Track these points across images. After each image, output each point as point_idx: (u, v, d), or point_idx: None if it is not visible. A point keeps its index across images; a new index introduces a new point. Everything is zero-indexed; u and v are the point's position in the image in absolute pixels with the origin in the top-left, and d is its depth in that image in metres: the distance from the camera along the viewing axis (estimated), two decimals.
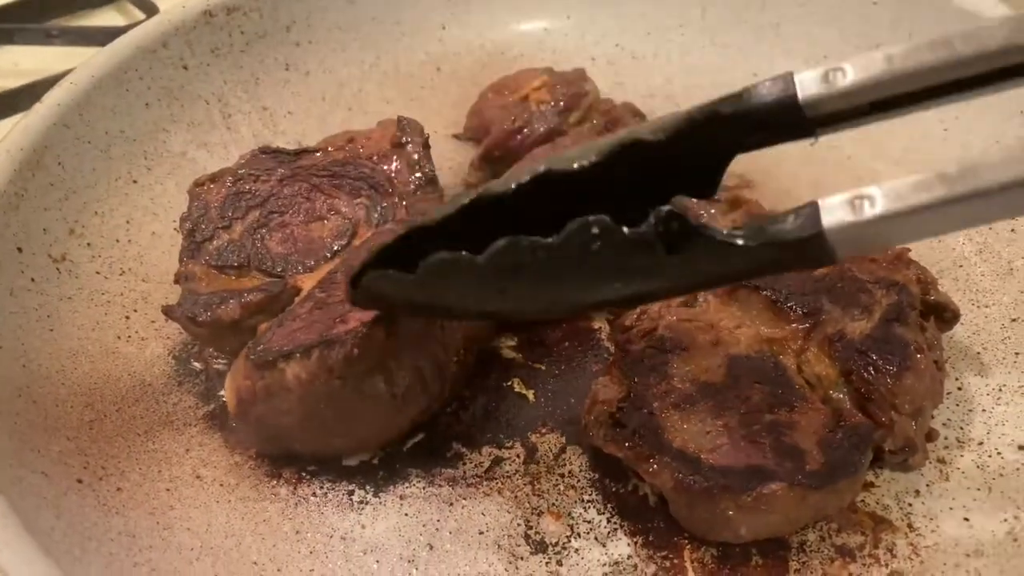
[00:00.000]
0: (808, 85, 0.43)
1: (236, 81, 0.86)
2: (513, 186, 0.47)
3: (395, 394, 0.59)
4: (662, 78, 0.92)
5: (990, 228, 0.75)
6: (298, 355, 0.57)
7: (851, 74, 0.42)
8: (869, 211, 0.41)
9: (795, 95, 0.43)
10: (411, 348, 0.59)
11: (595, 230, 0.43)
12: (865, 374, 0.58)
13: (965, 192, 0.40)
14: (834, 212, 0.42)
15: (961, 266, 0.73)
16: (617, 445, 0.55)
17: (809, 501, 0.54)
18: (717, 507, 0.53)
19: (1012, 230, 0.74)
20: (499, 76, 0.91)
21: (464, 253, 0.45)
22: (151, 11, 1.10)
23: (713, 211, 0.70)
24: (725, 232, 0.43)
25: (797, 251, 0.43)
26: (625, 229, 0.43)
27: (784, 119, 0.44)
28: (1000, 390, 0.65)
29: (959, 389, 0.65)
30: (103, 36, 1.07)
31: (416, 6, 0.94)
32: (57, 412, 0.60)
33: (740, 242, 0.43)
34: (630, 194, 0.46)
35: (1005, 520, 0.57)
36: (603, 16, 0.96)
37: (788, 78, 0.44)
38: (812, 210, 0.42)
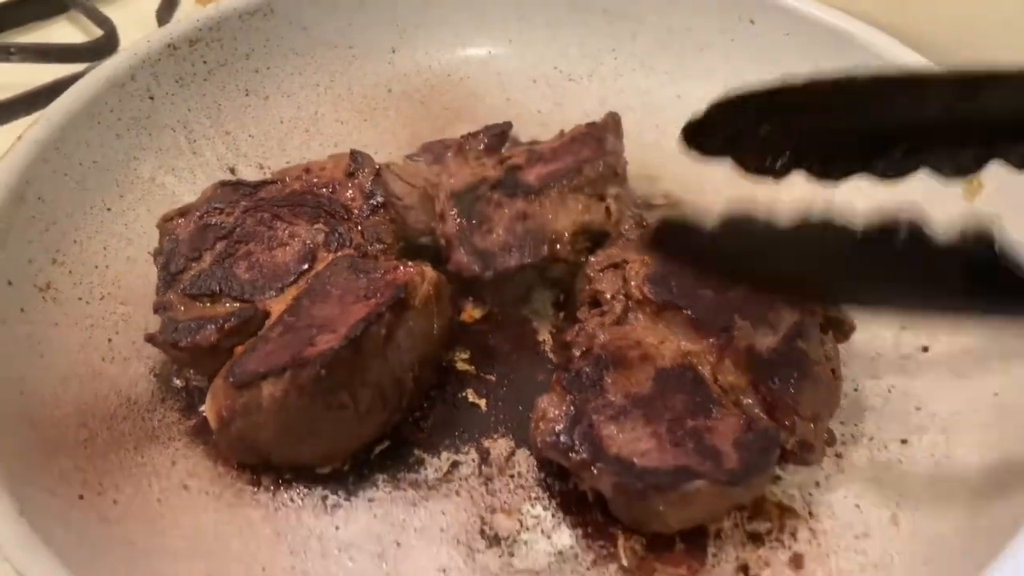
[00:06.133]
0: None
1: (200, 108, 0.92)
2: None
3: (358, 408, 0.66)
4: (597, 99, 0.99)
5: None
6: (272, 376, 0.63)
7: None
8: None
9: None
10: (371, 368, 0.66)
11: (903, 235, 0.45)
12: (771, 384, 0.66)
13: None
14: None
15: None
16: (562, 456, 0.63)
17: (727, 495, 0.62)
18: (650, 504, 0.61)
19: None
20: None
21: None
22: (104, 24, 1.13)
23: None
24: None
25: None
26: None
27: None
28: (889, 391, 0.74)
29: (855, 391, 0.74)
30: (60, 53, 1.11)
31: (367, 31, 1.01)
32: (55, 434, 0.66)
33: None
34: None
35: (888, 506, 0.67)
36: (542, 41, 1.03)
37: None
38: None
